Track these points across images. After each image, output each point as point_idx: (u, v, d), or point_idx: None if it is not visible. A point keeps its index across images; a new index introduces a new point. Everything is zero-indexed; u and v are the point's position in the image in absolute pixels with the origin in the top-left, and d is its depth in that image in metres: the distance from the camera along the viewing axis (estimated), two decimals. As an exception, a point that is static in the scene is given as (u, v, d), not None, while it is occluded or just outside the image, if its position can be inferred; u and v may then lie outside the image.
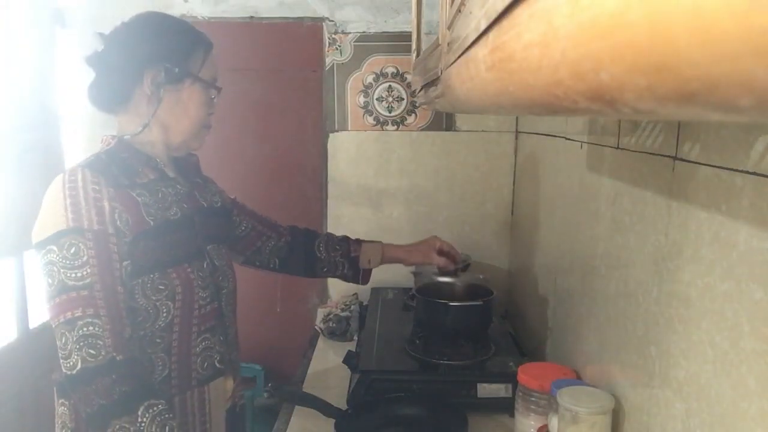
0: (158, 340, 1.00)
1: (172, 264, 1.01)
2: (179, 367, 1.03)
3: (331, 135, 1.95)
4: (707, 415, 0.71)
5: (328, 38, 1.90)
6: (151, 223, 0.99)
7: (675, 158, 0.80)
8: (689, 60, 0.16)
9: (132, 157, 1.02)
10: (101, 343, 0.88)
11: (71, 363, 0.88)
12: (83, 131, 1.92)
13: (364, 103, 1.93)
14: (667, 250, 0.82)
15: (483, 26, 0.37)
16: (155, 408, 0.90)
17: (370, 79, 1.92)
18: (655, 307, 0.86)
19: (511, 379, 1.24)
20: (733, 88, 0.15)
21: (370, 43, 1.90)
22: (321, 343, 1.74)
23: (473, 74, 0.42)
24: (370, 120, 1.94)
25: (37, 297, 1.86)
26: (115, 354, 0.89)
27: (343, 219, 1.98)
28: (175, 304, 1.00)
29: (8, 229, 1.71)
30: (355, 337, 1.71)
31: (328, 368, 1.58)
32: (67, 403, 1.01)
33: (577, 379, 1.15)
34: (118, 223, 0.95)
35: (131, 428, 0.88)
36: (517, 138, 1.93)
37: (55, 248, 0.90)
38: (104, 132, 1.06)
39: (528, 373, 1.15)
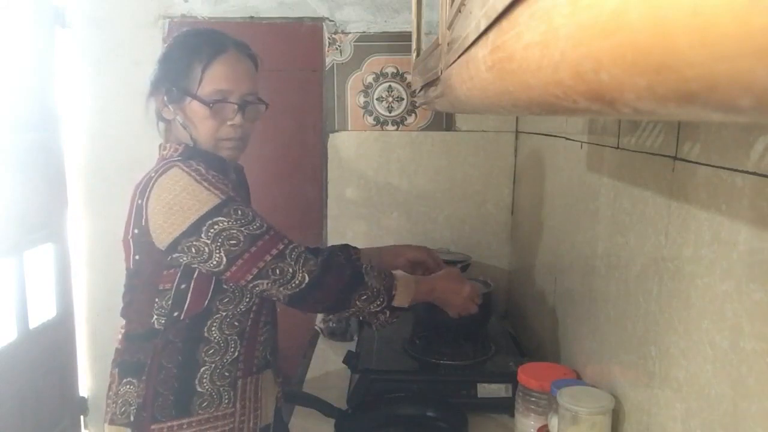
0: (236, 323, 1.08)
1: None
2: (246, 351, 1.11)
3: (331, 135, 1.95)
4: (707, 415, 0.71)
5: (328, 38, 1.90)
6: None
7: (675, 158, 0.80)
8: (689, 60, 0.16)
9: (211, 158, 1.08)
10: (310, 256, 1.05)
11: (298, 280, 1.03)
12: (83, 131, 1.92)
13: (364, 103, 1.93)
14: (667, 250, 0.82)
15: (483, 26, 0.37)
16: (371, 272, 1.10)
17: (370, 79, 1.92)
18: (655, 307, 0.86)
19: (511, 379, 1.24)
20: (733, 88, 0.15)
21: (370, 43, 1.90)
22: (321, 343, 1.74)
23: (473, 74, 0.42)
24: (370, 120, 1.94)
25: (37, 297, 1.86)
26: (321, 258, 1.07)
27: (343, 219, 1.98)
28: (253, 293, 1.08)
29: (8, 229, 1.71)
30: (355, 337, 1.71)
31: (328, 368, 1.58)
32: (134, 381, 1.06)
33: (577, 379, 1.15)
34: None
35: (367, 293, 1.07)
36: (517, 138, 1.93)
37: (222, 218, 0.99)
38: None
39: (528, 373, 1.15)
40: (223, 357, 1.08)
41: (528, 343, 1.61)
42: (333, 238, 1.98)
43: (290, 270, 1.03)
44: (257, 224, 1.02)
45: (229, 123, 1.08)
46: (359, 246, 1.39)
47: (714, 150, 0.70)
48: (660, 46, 0.17)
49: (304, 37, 1.91)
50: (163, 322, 1.06)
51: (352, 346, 1.62)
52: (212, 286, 1.05)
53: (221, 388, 1.08)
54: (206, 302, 1.05)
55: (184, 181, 0.99)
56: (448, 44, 0.60)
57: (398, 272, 1.21)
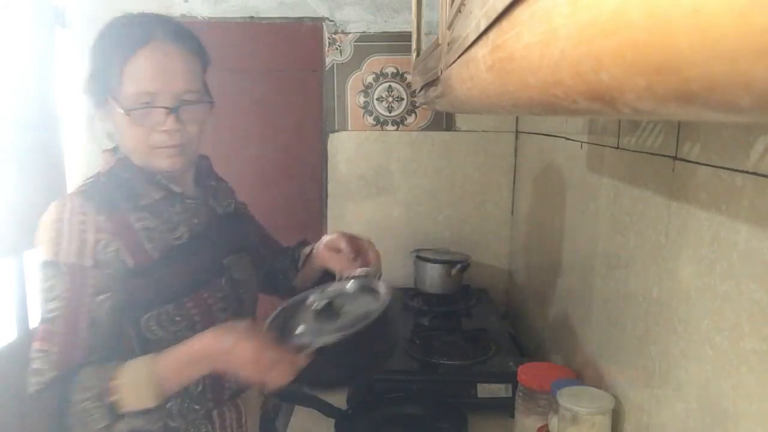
0: None
1: (186, 293, 0.95)
2: (212, 382, 1.00)
3: (331, 135, 1.95)
4: (707, 415, 0.70)
5: (328, 38, 1.90)
6: (155, 255, 0.93)
7: (675, 158, 0.80)
8: (689, 60, 0.16)
9: (134, 176, 0.96)
10: (44, 372, 0.89)
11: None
12: (83, 131, 1.92)
13: (364, 103, 1.93)
14: (667, 250, 0.82)
15: (483, 26, 0.37)
16: None
17: (370, 79, 1.92)
18: (655, 307, 0.86)
19: (511, 379, 1.24)
20: (733, 88, 0.15)
21: (370, 43, 1.90)
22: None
23: (473, 74, 0.42)
24: (370, 120, 1.94)
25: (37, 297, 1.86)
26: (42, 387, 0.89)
27: (343, 219, 1.98)
28: (195, 333, 0.93)
29: (8, 229, 1.71)
30: (355, 337, 1.71)
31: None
32: None
33: (577, 379, 1.15)
34: (103, 255, 0.89)
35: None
36: (517, 138, 1.93)
37: (40, 277, 0.90)
38: (104, 131, 1.03)
39: (528, 373, 1.15)
40: (185, 391, 0.95)
41: (528, 343, 1.61)
42: (333, 238, 1.98)
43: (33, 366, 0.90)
44: (49, 307, 0.88)
45: (161, 129, 0.92)
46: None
47: (714, 150, 0.70)
48: (660, 46, 0.17)
49: (304, 37, 1.91)
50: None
51: (352, 346, 1.62)
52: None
53: (196, 421, 0.99)
54: (139, 354, 0.91)
55: (44, 222, 0.90)
56: (448, 44, 0.60)
57: (131, 365, 0.88)
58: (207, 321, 0.96)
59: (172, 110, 0.92)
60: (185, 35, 0.97)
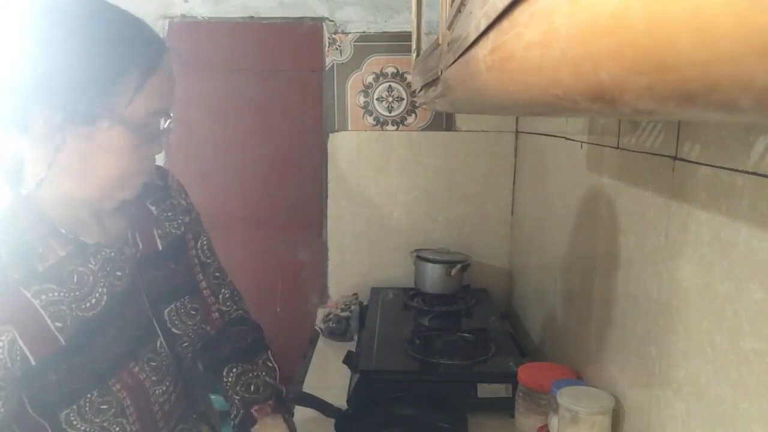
0: (96, 419, 0.77)
1: (111, 372, 0.77)
2: None
3: (331, 135, 1.95)
4: (707, 415, 0.70)
5: (328, 38, 1.90)
6: (61, 339, 0.72)
7: (675, 158, 0.80)
8: (689, 60, 0.16)
9: (31, 228, 0.72)
10: None
11: None
12: None
13: (364, 103, 1.93)
14: (667, 250, 0.82)
15: (483, 26, 0.37)
16: None
17: (370, 79, 1.92)
18: (655, 307, 0.86)
19: (511, 379, 1.24)
20: (733, 88, 0.15)
21: (370, 43, 1.90)
22: (321, 343, 1.74)
23: (473, 74, 0.42)
24: (370, 120, 1.94)
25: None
26: None
27: (343, 219, 1.98)
28: (128, 419, 0.78)
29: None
30: (355, 337, 1.71)
31: (328, 368, 1.58)
32: None
33: (577, 379, 1.15)
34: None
35: None
36: (517, 138, 1.93)
37: None
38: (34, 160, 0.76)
39: (528, 373, 1.15)
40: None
41: (528, 343, 1.61)
42: (333, 238, 1.98)
43: None
44: None
45: (142, 153, 0.77)
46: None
47: (714, 150, 0.70)
48: (660, 46, 0.17)
49: (304, 37, 1.91)
50: None
51: (352, 346, 1.62)
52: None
53: None
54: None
55: None
56: (448, 44, 0.60)
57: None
58: (142, 400, 0.80)
59: (165, 131, 0.79)
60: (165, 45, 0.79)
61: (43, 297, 0.71)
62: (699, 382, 0.72)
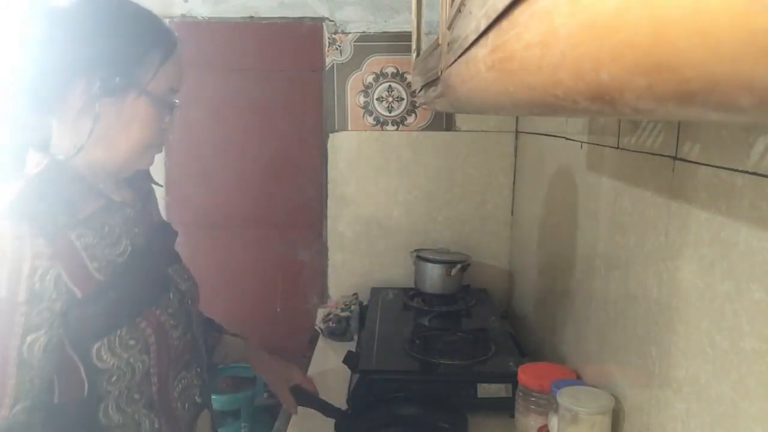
0: (137, 396, 0.88)
1: (139, 312, 0.87)
2: (165, 415, 0.92)
3: (331, 135, 1.95)
4: (707, 415, 0.71)
5: (328, 38, 1.90)
6: (100, 276, 0.83)
7: (675, 158, 0.80)
8: (689, 60, 0.16)
9: (69, 185, 0.84)
10: None
11: None
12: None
13: (364, 103, 1.93)
14: (667, 250, 0.82)
15: (483, 26, 0.37)
16: None
17: (370, 79, 1.92)
18: (655, 307, 0.86)
19: (511, 379, 1.24)
20: (733, 88, 0.15)
21: (370, 43, 1.90)
22: (321, 343, 1.74)
23: (473, 74, 0.42)
24: (370, 120, 1.94)
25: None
26: None
27: (343, 219, 1.98)
28: (150, 356, 0.88)
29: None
30: (355, 337, 1.71)
31: (328, 368, 1.58)
32: None
33: (577, 379, 1.15)
34: (40, 286, 0.78)
35: None
36: (517, 138, 1.93)
37: None
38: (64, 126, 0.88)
39: (528, 373, 1.15)
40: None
41: (528, 343, 1.61)
42: (333, 238, 1.98)
43: None
44: None
45: (162, 127, 0.90)
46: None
47: (714, 150, 0.70)
48: (660, 46, 0.17)
49: (304, 37, 1.91)
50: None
51: (352, 346, 1.62)
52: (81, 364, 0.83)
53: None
54: (86, 388, 0.83)
55: None
56: (448, 44, 0.60)
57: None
58: (162, 341, 0.89)
59: (177, 107, 0.92)
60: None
61: (83, 240, 0.83)
62: (699, 382, 0.72)
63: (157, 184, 1.06)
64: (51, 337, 0.80)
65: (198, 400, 1.00)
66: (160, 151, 0.94)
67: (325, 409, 1.22)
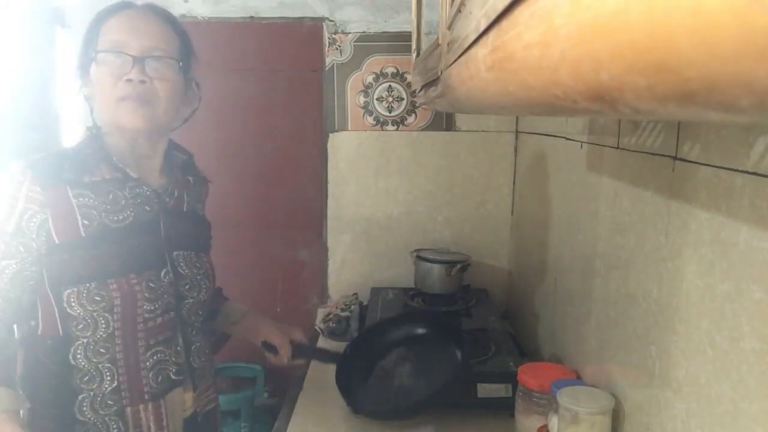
0: (102, 350, 0.97)
1: (113, 274, 0.96)
2: (129, 379, 0.99)
3: (331, 135, 1.95)
4: (707, 415, 0.70)
5: (328, 38, 1.90)
6: (83, 232, 0.94)
7: (675, 158, 0.80)
8: (689, 60, 0.16)
9: (94, 153, 0.99)
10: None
11: None
12: (83, 131, 1.92)
13: (364, 103, 1.93)
14: (667, 250, 0.82)
15: (483, 26, 0.37)
16: None
17: (370, 79, 1.92)
18: (655, 307, 0.86)
19: (511, 379, 1.24)
20: (733, 88, 0.15)
21: (370, 43, 1.90)
22: (321, 343, 1.74)
23: (473, 74, 0.42)
24: (370, 120, 1.94)
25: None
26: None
27: (343, 219, 1.98)
28: (113, 317, 0.96)
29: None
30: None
31: (328, 368, 1.58)
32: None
33: (577, 379, 1.15)
34: (26, 224, 0.93)
35: None
36: (517, 138, 1.93)
37: None
38: (87, 101, 1.07)
39: (528, 373, 1.15)
40: (100, 385, 0.98)
41: (528, 343, 1.61)
42: (333, 238, 1.98)
43: None
44: None
45: (125, 78, 0.95)
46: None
47: (714, 150, 0.70)
48: (660, 46, 0.17)
49: (304, 37, 1.91)
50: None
51: (352, 346, 1.62)
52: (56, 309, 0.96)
53: (106, 418, 0.98)
54: (60, 328, 0.96)
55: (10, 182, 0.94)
56: (448, 44, 0.60)
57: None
58: (128, 307, 0.97)
59: (137, 60, 0.96)
60: (167, 16, 1.04)
61: (81, 199, 0.95)
62: (699, 382, 0.72)
63: (202, 178, 1.18)
64: (22, 270, 0.94)
65: (173, 377, 1.05)
66: (139, 107, 0.98)
67: (325, 357, 1.25)
